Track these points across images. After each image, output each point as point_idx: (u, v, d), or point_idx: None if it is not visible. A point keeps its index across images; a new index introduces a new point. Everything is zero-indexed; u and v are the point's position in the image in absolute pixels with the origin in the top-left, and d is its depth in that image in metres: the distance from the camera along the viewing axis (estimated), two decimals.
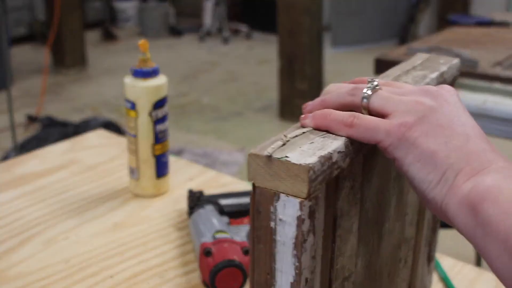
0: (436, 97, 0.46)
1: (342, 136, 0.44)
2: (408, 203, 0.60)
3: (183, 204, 0.95)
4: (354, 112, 0.45)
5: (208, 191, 0.94)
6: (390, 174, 0.54)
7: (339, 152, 0.42)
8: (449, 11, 4.51)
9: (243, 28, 5.86)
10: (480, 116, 1.45)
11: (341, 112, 0.45)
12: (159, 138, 0.96)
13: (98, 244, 0.85)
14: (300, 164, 0.39)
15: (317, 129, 0.45)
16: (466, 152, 0.43)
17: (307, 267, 0.41)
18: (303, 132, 0.44)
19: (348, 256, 0.48)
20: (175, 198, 0.98)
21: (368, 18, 5.30)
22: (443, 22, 4.06)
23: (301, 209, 0.39)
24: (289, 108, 3.64)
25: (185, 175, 1.05)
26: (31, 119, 3.60)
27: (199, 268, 0.76)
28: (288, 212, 0.40)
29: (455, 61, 0.62)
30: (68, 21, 4.50)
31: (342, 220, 0.46)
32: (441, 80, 0.58)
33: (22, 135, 3.34)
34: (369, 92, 0.46)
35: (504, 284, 0.40)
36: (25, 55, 5.13)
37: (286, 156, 0.40)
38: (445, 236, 2.11)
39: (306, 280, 0.42)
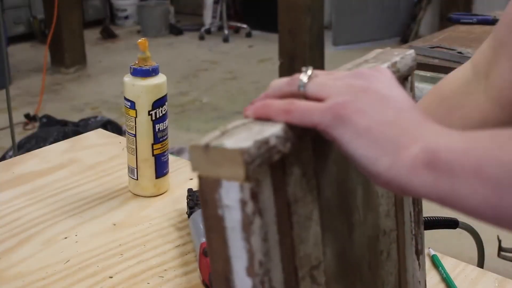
0: (368, 77, 0.48)
1: (281, 122, 0.46)
2: (378, 193, 0.60)
3: (183, 204, 0.95)
4: (291, 99, 0.47)
5: None
6: (350, 163, 0.55)
7: (277, 136, 0.44)
8: (451, 9, 4.50)
9: (244, 26, 5.86)
10: None
11: (279, 100, 0.47)
12: (158, 138, 0.95)
13: (97, 244, 0.85)
14: (234, 149, 0.41)
15: (258, 118, 0.47)
16: (401, 124, 0.44)
17: (258, 250, 0.42)
18: (244, 123, 0.46)
19: (313, 244, 0.49)
20: (174, 198, 0.98)
21: (370, 17, 5.29)
22: (445, 21, 4.05)
23: (241, 191, 0.41)
24: None
25: (185, 175, 1.05)
26: (30, 118, 3.60)
27: (199, 268, 0.76)
28: (231, 197, 0.41)
29: (410, 51, 0.62)
30: (67, 20, 4.49)
31: (297, 206, 0.47)
32: (394, 70, 0.58)
33: (21, 134, 3.33)
34: (305, 80, 0.48)
35: (486, 218, 0.41)
36: (24, 54, 5.13)
37: (223, 144, 0.41)
38: (446, 236, 2.10)
39: (260, 263, 0.43)
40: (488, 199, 0.40)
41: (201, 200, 0.43)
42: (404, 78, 0.61)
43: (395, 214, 0.64)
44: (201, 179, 0.42)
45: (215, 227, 0.43)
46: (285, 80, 0.50)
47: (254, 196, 0.42)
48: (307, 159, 0.48)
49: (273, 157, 0.43)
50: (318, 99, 0.47)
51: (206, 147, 0.42)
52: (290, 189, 0.46)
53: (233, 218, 0.42)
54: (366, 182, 0.58)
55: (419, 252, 0.68)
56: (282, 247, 0.46)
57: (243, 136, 0.43)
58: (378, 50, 0.63)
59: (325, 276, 0.51)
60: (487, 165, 0.40)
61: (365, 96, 0.46)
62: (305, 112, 0.45)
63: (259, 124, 0.46)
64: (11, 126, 2.51)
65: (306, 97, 0.48)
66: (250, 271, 0.42)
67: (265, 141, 0.42)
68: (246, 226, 0.42)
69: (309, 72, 0.48)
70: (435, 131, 0.44)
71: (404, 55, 0.61)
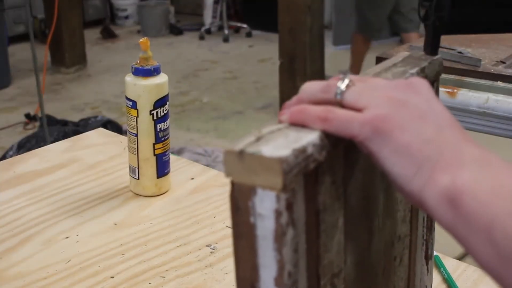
0: (406, 89, 0.47)
1: (318, 130, 0.45)
2: (398, 199, 0.60)
3: (184, 203, 0.94)
4: (329, 106, 0.46)
5: (210, 190, 0.94)
6: (375, 170, 0.54)
7: (314, 145, 0.43)
8: None
9: (244, 26, 5.86)
10: (483, 114, 1.44)
11: (316, 106, 0.46)
12: (159, 137, 0.95)
13: (98, 243, 0.85)
14: (273, 157, 0.40)
15: (293, 124, 0.46)
16: (440, 143, 0.43)
17: (289, 261, 0.42)
18: (279, 128, 0.45)
19: (335, 252, 0.48)
20: (175, 198, 0.97)
21: None
22: None
23: (278, 201, 0.40)
24: None
25: (186, 174, 1.05)
26: (30, 118, 3.60)
27: None
28: (265, 206, 0.41)
29: (437, 56, 0.62)
30: (67, 19, 4.49)
31: (326, 214, 0.46)
32: (423, 75, 0.58)
33: (21, 134, 3.33)
34: (342, 87, 0.47)
35: (489, 273, 0.41)
36: (24, 54, 5.12)
37: (260, 150, 0.40)
38: (448, 237, 2.10)
39: (289, 274, 0.42)
40: (492, 261, 0.40)
41: (232, 206, 0.42)
42: (430, 84, 0.61)
43: (410, 219, 0.63)
44: (234, 185, 0.41)
45: (245, 234, 0.42)
46: (319, 85, 0.48)
47: (289, 206, 0.41)
48: (338, 167, 0.47)
49: (309, 166, 0.42)
50: (356, 109, 0.45)
51: (241, 153, 0.41)
52: (320, 198, 0.46)
53: (265, 227, 0.41)
54: (387, 188, 0.57)
55: (428, 257, 0.68)
56: (309, 256, 0.45)
57: (280, 143, 0.42)
58: (405, 53, 0.62)
59: (344, 283, 0.50)
60: (498, 229, 0.39)
61: (405, 110, 0.44)
62: (344, 122, 0.44)
63: (295, 130, 0.45)
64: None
65: (342, 105, 0.46)
66: (278, 282, 0.42)
67: (303, 150, 0.42)
68: (279, 237, 0.41)
69: (347, 79, 0.47)
70: (472, 157, 0.43)
71: (432, 60, 0.60)
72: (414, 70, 0.57)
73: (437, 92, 0.63)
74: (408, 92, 0.46)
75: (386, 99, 0.45)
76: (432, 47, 0.53)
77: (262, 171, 0.40)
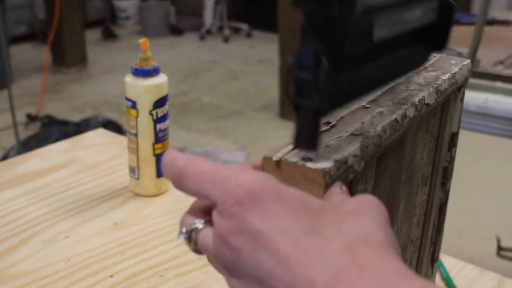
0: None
1: (358, 140, 0.44)
2: (415, 204, 0.60)
3: (183, 203, 0.95)
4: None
5: None
6: (400, 177, 0.54)
7: (354, 156, 0.42)
8: None
9: (244, 27, 5.86)
10: (482, 115, 1.45)
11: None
12: (159, 137, 0.95)
13: (98, 243, 0.85)
14: (315, 169, 0.39)
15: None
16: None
17: None
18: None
19: None
20: (175, 197, 0.98)
21: None
22: None
23: None
24: (290, 107, 3.61)
25: None
26: (31, 118, 3.60)
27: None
28: None
29: (466, 61, 0.61)
30: (68, 20, 4.50)
31: None
32: (453, 81, 0.57)
33: (22, 134, 3.34)
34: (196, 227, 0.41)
35: None
36: (25, 54, 5.13)
37: (302, 160, 0.40)
38: (446, 235, 2.10)
39: None
40: None
41: None
42: (458, 89, 0.61)
43: (423, 223, 0.63)
44: None
45: None
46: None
47: None
48: (370, 175, 0.47)
49: (348, 177, 0.42)
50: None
51: (285, 162, 0.40)
52: None
53: None
54: (409, 194, 0.57)
55: (434, 260, 0.67)
56: None
57: (321, 153, 0.41)
58: (434, 55, 0.61)
59: None
60: None
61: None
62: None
63: (335, 138, 0.44)
64: (15, 125, 2.51)
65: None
66: None
67: (344, 161, 0.41)
68: None
69: (200, 225, 0.40)
70: None
71: (462, 65, 0.60)
72: (445, 76, 0.56)
73: (462, 97, 0.62)
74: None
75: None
76: (313, 139, 0.40)
77: (303, 181, 0.40)
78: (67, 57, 4.61)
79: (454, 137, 0.63)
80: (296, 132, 0.41)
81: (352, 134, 0.45)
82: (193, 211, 0.42)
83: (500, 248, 1.88)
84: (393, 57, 0.47)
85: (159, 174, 0.97)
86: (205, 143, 3.37)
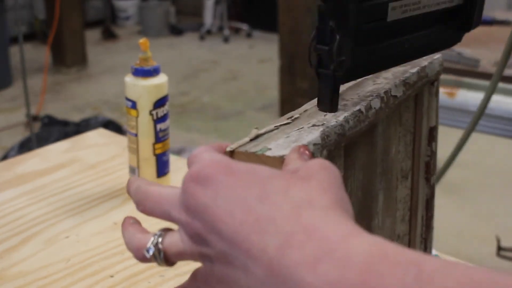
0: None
1: (319, 129, 0.45)
2: (397, 199, 0.60)
3: None
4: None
5: None
6: (375, 169, 0.54)
7: (314, 144, 0.43)
8: None
9: (244, 27, 5.86)
10: (481, 115, 1.45)
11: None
12: (159, 137, 0.96)
13: (98, 243, 0.85)
14: (274, 157, 0.40)
15: (294, 123, 0.47)
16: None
17: None
18: (277, 127, 0.46)
19: None
20: None
21: None
22: None
23: None
24: (290, 107, 3.63)
25: None
26: (31, 118, 3.60)
27: None
28: None
29: (437, 56, 0.62)
30: (68, 20, 4.50)
31: None
32: (423, 74, 0.58)
33: (23, 134, 3.34)
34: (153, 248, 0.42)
35: None
36: (25, 54, 5.13)
37: (261, 150, 0.41)
38: (446, 235, 2.10)
39: None
40: None
41: None
42: (431, 83, 0.61)
43: (409, 218, 0.64)
44: None
45: None
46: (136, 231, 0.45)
47: None
48: (339, 166, 0.47)
49: None
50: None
51: (245, 153, 0.41)
52: None
53: None
54: (387, 188, 0.57)
55: None
56: None
57: (281, 143, 0.42)
58: None
59: None
60: None
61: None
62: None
63: (295, 130, 0.45)
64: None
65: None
66: None
67: None
68: None
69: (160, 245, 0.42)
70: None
71: (432, 60, 0.60)
72: (414, 70, 0.57)
73: (436, 92, 0.63)
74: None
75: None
76: (332, 101, 0.45)
77: None
78: (67, 57, 4.61)
79: (432, 131, 0.63)
80: (318, 96, 0.48)
81: (314, 125, 0.46)
82: (141, 230, 0.45)
83: (500, 248, 1.88)
84: (413, 36, 0.52)
85: (159, 174, 0.97)
86: (205, 143, 3.37)
